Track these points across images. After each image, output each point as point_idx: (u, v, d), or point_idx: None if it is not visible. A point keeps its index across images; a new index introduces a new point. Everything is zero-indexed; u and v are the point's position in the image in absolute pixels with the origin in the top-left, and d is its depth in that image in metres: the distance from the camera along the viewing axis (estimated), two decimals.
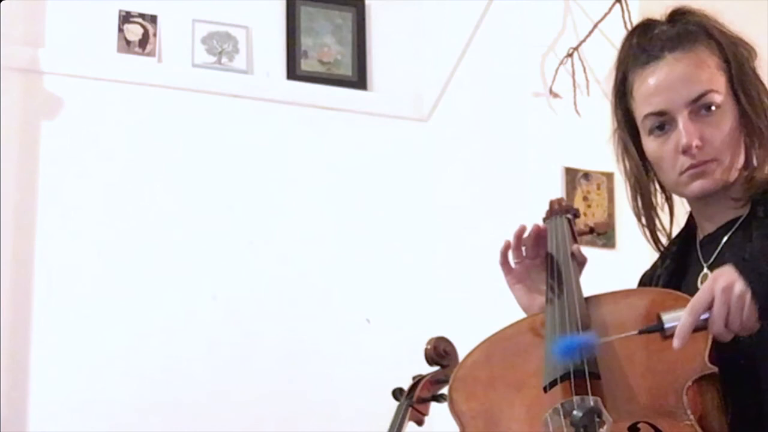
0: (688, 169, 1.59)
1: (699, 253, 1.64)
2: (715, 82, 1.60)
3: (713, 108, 1.59)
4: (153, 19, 3.83)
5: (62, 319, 3.47)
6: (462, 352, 1.70)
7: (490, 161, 3.43)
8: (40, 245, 3.52)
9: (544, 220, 1.90)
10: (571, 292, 1.63)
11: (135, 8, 3.82)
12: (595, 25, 2.91)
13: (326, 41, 4.01)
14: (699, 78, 1.59)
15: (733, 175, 1.60)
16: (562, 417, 1.36)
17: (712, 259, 1.61)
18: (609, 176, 2.99)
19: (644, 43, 1.65)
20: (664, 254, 1.72)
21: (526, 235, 1.79)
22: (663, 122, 1.61)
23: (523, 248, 1.79)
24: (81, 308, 3.49)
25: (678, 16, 1.67)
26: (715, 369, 1.38)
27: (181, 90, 3.78)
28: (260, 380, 3.57)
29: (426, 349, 2.26)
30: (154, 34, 3.82)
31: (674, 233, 1.74)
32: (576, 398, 1.37)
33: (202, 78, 3.82)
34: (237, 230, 3.72)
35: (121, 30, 3.78)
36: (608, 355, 1.46)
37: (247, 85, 3.87)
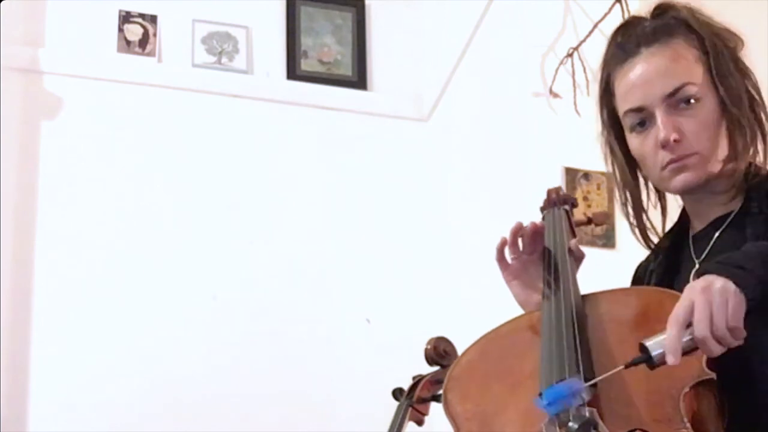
0: (668, 163, 1.58)
1: (691, 249, 1.63)
2: (692, 74, 1.58)
3: (691, 101, 1.57)
4: (153, 19, 3.83)
5: (62, 319, 3.47)
6: (460, 353, 1.69)
7: (490, 161, 3.43)
8: (40, 245, 3.52)
9: (542, 210, 1.89)
10: (568, 289, 1.62)
11: (135, 8, 3.82)
12: (595, 25, 2.91)
13: (326, 41, 4.01)
14: (675, 71, 1.58)
15: (716, 167, 1.58)
16: (557, 427, 1.34)
17: (703, 255, 1.60)
18: (609, 176, 2.98)
19: (623, 41, 1.65)
20: (657, 249, 1.71)
21: (522, 231, 1.79)
22: (643, 118, 1.60)
23: (520, 243, 1.78)
24: (81, 308, 3.49)
25: (660, 10, 1.66)
26: (713, 375, 1.36)
27: (181, 90, 3.79)
28: (260, 380, 3.57)
29: (426, 349, 2.25)
30: (154, 34, 3.82)
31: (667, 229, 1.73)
32: (572, 409, 1.34)
33: (202, 78, 3.82)
34: (237, 230, 3.72)
35: (121, 30, 3.78)
36: (605, 360, 1.44)
37: (247, 85, 3.87)
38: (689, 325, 1.32)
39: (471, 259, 3.43)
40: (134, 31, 3.80)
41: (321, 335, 3.69)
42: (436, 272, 3.77)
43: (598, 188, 3.02)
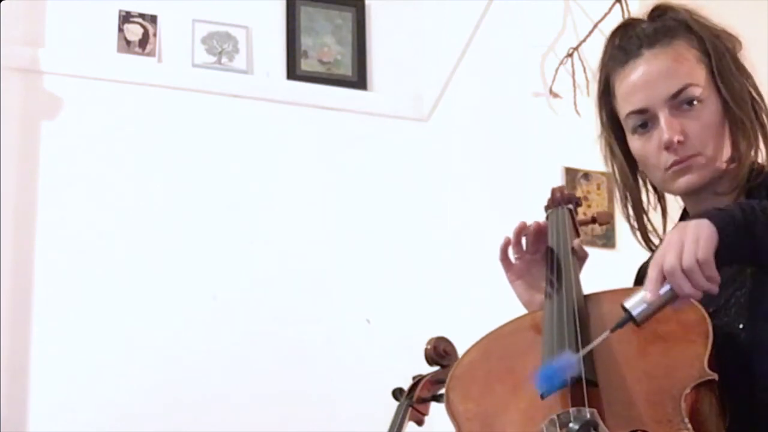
0: (672, 165, 1.58)
1: None
2: (694, 75, 1.59)
3: (694, 102, 1.57)
4: (153, 19, 3.83)
5: (62, 319, 3.47)
6: (462, 352, 1.69)
7: (490, 161, 3.43)
8: (40, 245, 3.52)
9: (546, 209, 1.89)
10: (570, 288, 1.62)
11: (135, 8, 3.82)
12: (595, 25, 2.91)
13: (326, 41, 4.01)
14: (678, 72, 1.58)
15: (719, 168, 1.58)
16: (558, 428, 1.34)
17: None
18: (609, 176, 2.98)
19: (623, 43, 1.65)
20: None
21: (526, 231, 1.79)
22: (645, 120, 1.60)
23: (524, 243, 1.78)
24: (81, 308, 3.49)
25: (658, 12, 1.66)
26: (715, 376, 1.36)
27: (181, 90, 3.79)
28: (260, 380, 3.57)
29: (426, 349, 2.25)
30: (154, 34, 3.82)
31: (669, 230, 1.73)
32: (572, 410, 1.35)
33: (202, 78, 3.82)
34: (237, 230, 3.72)
35: (121, 30, 3.78)
36: (607, 359, 1.44)
37: (247, 85, 3.87)
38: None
39: (471, 259, 3.44)
40: (134, 31, 3.80)
41: (321, 335, 3.69)
42: (436, 272, 3.77)
43: (598, 188, 3.02)
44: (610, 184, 2.99)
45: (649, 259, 1.74)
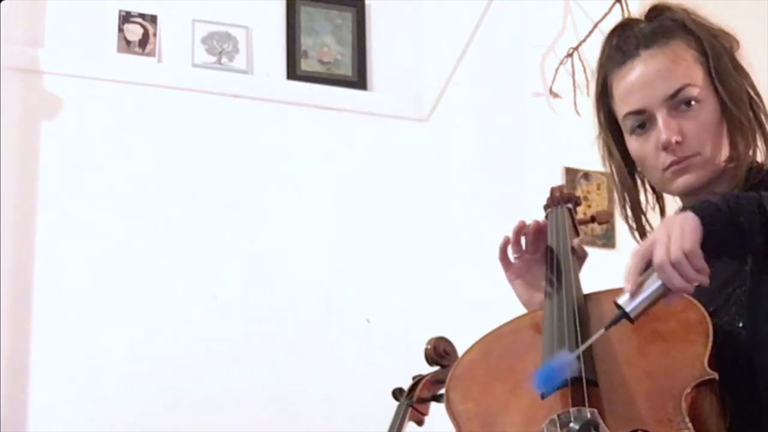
0: (670, 165, 1.58)
1: None
2: (692, 75, 1.58)
3: (692, 102, 1.57)
4: (153, 19, 3.83)
5: (62, 319, 3.47)
6: (462, 352, 1.69)
7: (490, 161, 3.43)
8: (40, 245, 3.52)
9: (545, 208, 1.88)
10: (570, 288, 1.61)
11: (135, 8, 3.82)
12: (595, 25, 2.91)
13: (326, 41, 4.01)
14: (675, 73, 1.58)
15: (718, 168, 1.58)
16: (558, 429, 1.34)
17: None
18: (609, 176, 2.98)
19: (621, 43, 1.65)
20: None
21: (525, 230, 1.79)
22: (643, 120, 1.60)
23: (523, 242, 1.78)
24: (81, 308, 3.49)
25: (655, 12, 1.66)
26: (715, 375, 1.36)
27: (181, 90, 3.79)
28: (260, 380, 3.57)
29: (426, 349, 2.25)
30: (154, 34, 3.82)
31: None
32: (573, 410, 1.34)
33: (202, 78, 3.82)
34: (237, 230, 3.72)
35: (121, 30, 3.78)
36: (607, 359, 1.44)
37: (247, 85, 3.87)
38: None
39: (471, 259, 3.43)
40: (134, 31, 3.80)
41: (321, 335, 3.69)
42: (436, 272, 3.77)
43: (598, 188, 3.02)
44: (610, 184, 2.98)
45: None
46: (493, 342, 1.64)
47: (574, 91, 2.98)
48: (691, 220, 1.34)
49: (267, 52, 3.95)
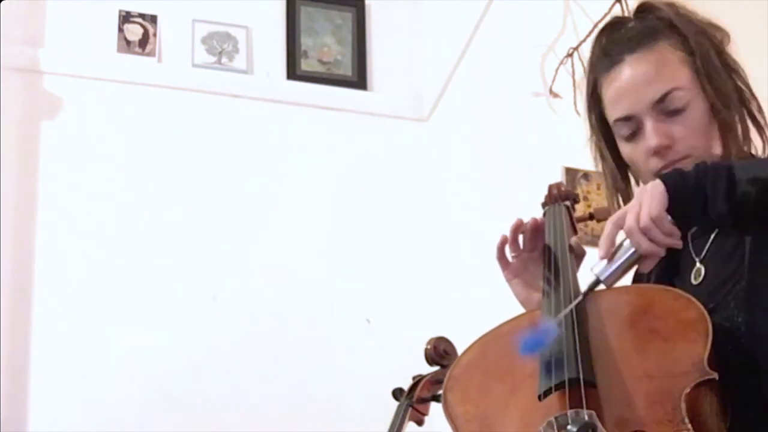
0: (661, 170, 1.57)
1: (690, 248, 1.61)
2: (678, 78, 1.58)
3: (679, 106, 1.57)
4: (153, 19, 3.83)
5: (62, 319, 3.47)
6: (460, 353, 1.68)
7: (490, 161, 3.43)
8: (40, 245, 3.52)
9: (543, 206, 1.88)
10: (568, 287, 1.60)
11: (135, 8, 3.82)
12: (595, 25, 2.89)
13: (326, 41, 4.01)
14: (661, 77, 1.58)
15: None
16: (555, 430, 1.33)
17: (703, 253, 1.59)
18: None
19: (608, 46, 1.65)
20: None
21: (523, 228, 1.78)
22: (632, 126, 1.60)
23: (521, 240, 1.77)
24: (81, 308, 3.49)
25: (643, 10, 1.66)
26: (715, 375, 1.35)
27: (181, 90, 3.79)
28: (260, 380, 3.57)
29: (426, 349, 2.25)
30: (154, 34, 3.82)
31: None
32: (570, 412, 1.34)
33: (202, 78, 3.82)
34: (237, 230, 3.72)
35: (121, 30, 3.78)
36: (606, 359, 1.43)
37: (247, 85, 3.87)
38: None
39: (471, 259, 3.43)
40: (134, 31, 3.80)
41: (321, 335, 3.69)
42: (436, 272, 3.77)
43: (598, 188, 3.01)
44: None
45: None
46: (491, 342, 1.62)
47: (574, 91, 2.98)
48: (658, 186, 1.40)
49: (267, 52, 3.95)
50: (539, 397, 1.41)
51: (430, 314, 3.66)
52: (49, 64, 3.67)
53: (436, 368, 2.27)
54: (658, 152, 1.57)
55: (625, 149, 1.64)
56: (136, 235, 3.61)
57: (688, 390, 1.33)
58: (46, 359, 3.43)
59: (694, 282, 1.57)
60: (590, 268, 1.45)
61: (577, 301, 1.47)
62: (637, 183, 1.70)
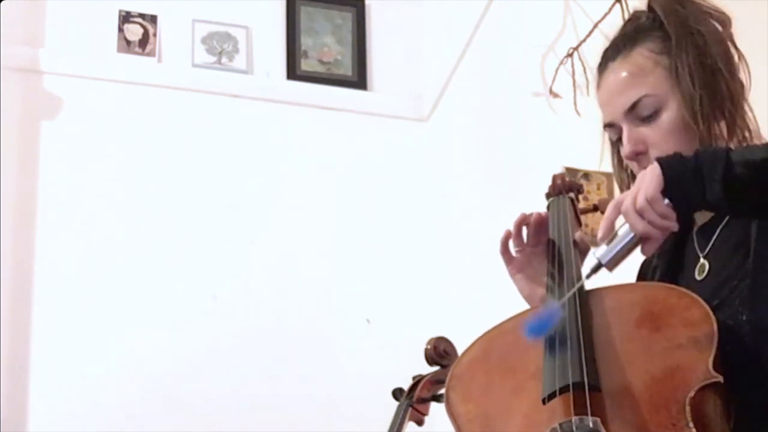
0: None
1: (695, 244, 1.62)
2: (649, 84, 1.59)
3: (650, 112, 1.59)
4: (153, 19, 3.83)
5: (62, 319, 3.47)
6: (462, 350, 1.68)
7: (490, 161, 3.43)
8: (40, 245, 3.52)
9: (547, 197, 1.87)
10: (572, 282, 1.59)
11: (135, 8, 3.82)
12: (595, 25, 2.90)
13: (326, 41, 4.01)
14: (632, 85, 1.60)
15: None
16: None
17: (707, 249, 1.58)
18: (609, 176, 2.98)
19: (604, 51, 1.68)
20: (662, 245, 1.71)
21: (526, 222, 1.78)
22: (616, 132, 1.64)
23: (524, 235, 1.77)
24: (81, 308, 3.49)
25: (649, 7, 1.67)
26: (720, 378, 1.33)
27: (181, 90, 3.79)
28: (260, 380, 3.57)
29: (426, 349, 2.25)
30: (154, 34, 3.82)
31: None
32: (575, 419, 1.32)
33: (202, 78, 3.82)
34: (237, 230, 3.72)
35: (121, 30, 3.78)
36: (610, 362, 1.42)
37: (247, 85, 3.87)
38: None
39: (471, 259, 3.43)
40: (134, 31, 3.80)
41: (321, 335, 3.69)
42: (436, 272, 3.77)
43: (599, 188, 3.02)
44: (610, 184, 2.99)
45: (652, 256, 1.74)
46: (493, 340, 1.61)
47: (574, 91, 2.98)
48: (655, 169, 1.41)
49: (267, 52, 3.95)
50: (543, 401, 1.40)
51: (430, 314, 3.66)
52: (49, 64, 3.67)
53: (436, 368, 2.27)
54: (632, 158, 1.60)
55: (619, 153, 1.67)
56: (136, 235, 3.61)
57: (692, 393, 1.32)
58: (46, 359, 3.43)
59: (698, 277, 1.57)
60: (591, 252, 1.48)
61: (579, 284, 1.49)
62: None
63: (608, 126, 1.65)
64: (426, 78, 4.00)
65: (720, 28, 1.63)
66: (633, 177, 1.70)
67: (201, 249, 3.66)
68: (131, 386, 3.45)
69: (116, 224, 3.60)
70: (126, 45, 3.78)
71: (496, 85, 3.40)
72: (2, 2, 3.39)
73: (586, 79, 2.94)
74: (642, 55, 1.61)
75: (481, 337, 1.63)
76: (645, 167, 1.55)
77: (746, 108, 1.62)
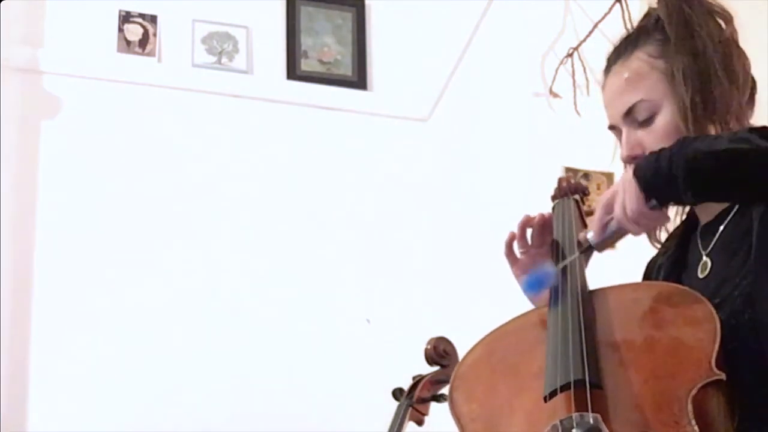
0: None
1: (699, 243, 1.62)
2: (646, 88, 1.60)
3: (646, 117, 1.60)
4: (153, 19, 3.83)
5: (62, 319, 3.47)
6: (462, 353, 1.67)
7: (490, 161, 3.43)
8: (40, 245, 3.52)
9: (552, 199, 1.88)
10: (576, 283, 1.59)
11: (135, 8, 3.82)
12: (595, 25, 2.91)
13: (326, 41, 4.01)
14: (628, 90, 1.61)
15: None
16: None
17: (710, 247, 1.58)
18: (609, 176, 2.98)
19: (610, 53, 1.70)
20: (666, 245, 1.71)
21: (531, 224, 1.78)
22: (618, 134, 1.65)
23: (529, 236, 1.77)
24: (81, 308, 3.49)
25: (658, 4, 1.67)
26: (722, 375, 1.33)
27: (181, 90, 3.78)
28: (260, 380, 3.57)
29: (426, 349, 2.25)
30: (154, 34, 3.82)
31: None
32: (575, 415, 1.32)
33: (202, 78, 3.82)
34: (237, 230, 3.72)
35: (121, 30, 3.78)
36: (612, 360, 1.42)
37: (247, 85, 3.87)
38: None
39: (471, 259, 3.43)
40: (134, 31, 3.80)
41: (321, 335, 3.69)
42: (436, 272, 3.77)
43: (599, 188, 3.02)
44: (611, 183, 2.99)
45: (657, 255, 1.75)
46: (497, 340, 1.62)
47: (574, 91, 2.98)
48: (632, 181, 1.46)
49: (267, 52, 3.95)
50: (545, 399, 1.40)
51: (430, 314, 3.66)
52: (48, 64, 3.67)
53: (436, 368, 2.27)
54: (629, 162, 1.61)
55: None
56: (136, 235, 3.61)
57: (694, 391, 1.32)
58: (46, 359, 3.43)
59: (700, 276, 1.57)
60: (584, 233, 1.56)
61: (572, 257, 1.59)
62: None
63: (611, 128, 1.67)
64: (426, 78, 4.00)
65: (724, 25, 1.63)
66: None
67: (201, 249, 3.66)
68: (131, 386, 3.45)
69: (116, 224, 3.60)
70: (126, 45, 3.78)
71: (496, 85, 3.40)
72: (2, 2, 3.39)
73: (586, 79, 2.95)
74: (639, 59, 1.63)
75: (484, 338, 1.63)
76: None
77: (744, 110, 1.61)
